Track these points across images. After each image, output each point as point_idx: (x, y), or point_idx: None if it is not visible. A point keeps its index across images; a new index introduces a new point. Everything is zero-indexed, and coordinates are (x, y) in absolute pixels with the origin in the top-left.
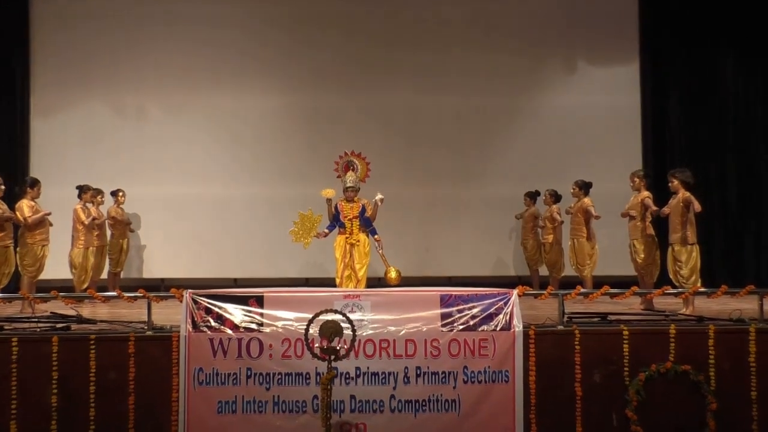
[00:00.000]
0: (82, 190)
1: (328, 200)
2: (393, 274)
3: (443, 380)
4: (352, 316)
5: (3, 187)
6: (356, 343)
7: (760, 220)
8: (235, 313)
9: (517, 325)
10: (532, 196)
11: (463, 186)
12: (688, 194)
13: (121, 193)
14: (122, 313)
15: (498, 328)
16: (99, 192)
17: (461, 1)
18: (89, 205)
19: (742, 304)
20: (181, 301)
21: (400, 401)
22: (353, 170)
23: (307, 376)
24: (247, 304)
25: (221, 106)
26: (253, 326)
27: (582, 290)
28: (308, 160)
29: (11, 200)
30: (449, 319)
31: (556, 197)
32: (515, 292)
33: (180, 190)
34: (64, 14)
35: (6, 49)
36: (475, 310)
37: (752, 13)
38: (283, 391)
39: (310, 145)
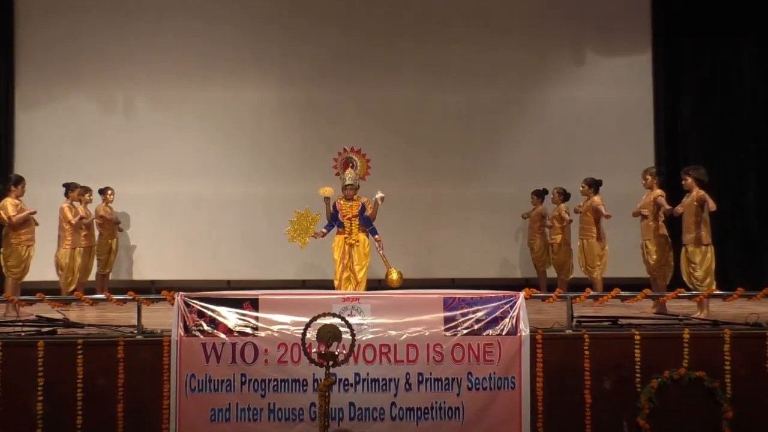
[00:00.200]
0: (69, 188)
1: (326, 199)
2: (394, 276)
3: (446, 387)
4: (351, 320)
5: None
6: (355, 348)
7: None
8: (229, 316)
9: (524, 330)
10: (540, 194)
11: (468, 184)
12: (702, 192)
13: (109, 191)
14: (111, 316)
15: (504, 333)
16: (86, 190)
17: None
18: (76, 203)
19: (760, 308)
20: (172, 304)
21: (401, 409)
22: (352, 167)
23: (304, 383)
24: (241, 308)
25: (214, 101)
26: (248, 330)
27: (592, 293)
28: (305, 157)
29: None
30: (453, 323)
31: (564, 196)
32: (522, 294)
33: (171, 188)
34: (49, 5)
35: None
36: (479, 314)
37: None
38: (279, 399)
39: (307, 141)
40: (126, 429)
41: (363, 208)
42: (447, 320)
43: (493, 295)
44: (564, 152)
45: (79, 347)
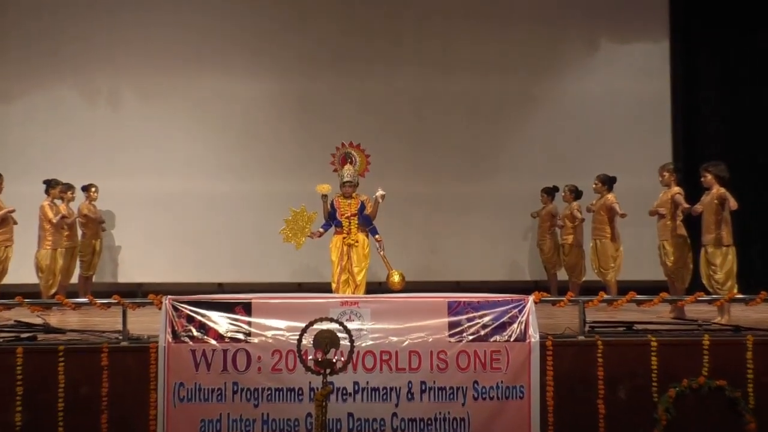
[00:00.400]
0: (50, 184)
1: (324, 196)
2: (395, 279)
3: (451, 396)
4: (349, 325)
5: None
6: (354, 355)
7: None
8: (220, 321)
9: (533, 336)
10: (550, 192)
11: (473, 181)
12: (723, 190)
13: (93, 189)
14: (94, 321)
15: (512, 339)
16: (69, 187)
17: None
18: (58, 201)
19: None
20: (159, 309)
21: (403, 420)
22: (351, 163)
23: (300, 392)
24: (233, 312)
25: (205, 93)
26: (240, 336)
27: (605, 297)
28: (301, 151)
29: None
30: (458, 329)
31: (576, 193)
32: (531, 298)
33: (159, 185)
34: None
35: None
36: (486, 319)
37: None
38: (274, 409)
39: (303, 135)
40: None
41: (362, 207)
42: (451, 325)
43: (500, 299)
44: (576, 147)
45: (60, 354)
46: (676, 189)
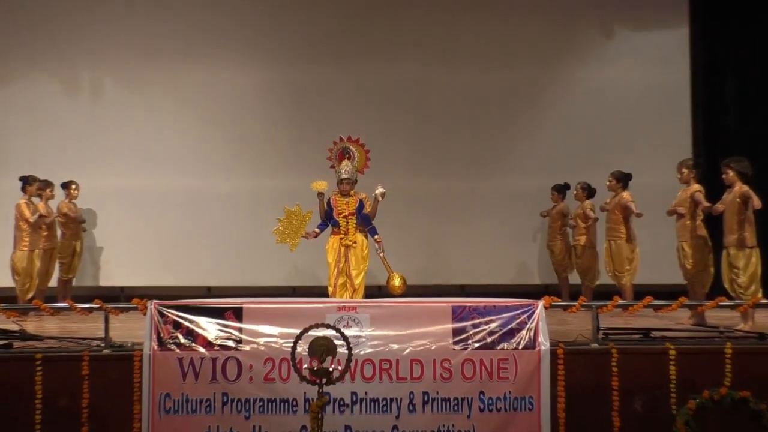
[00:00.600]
0: (27, 181)
1: (320, 194)
2: (396, 282)
3: (455, 408)
4: (347, 332)
5: None
6: (352, 364)
7: None
8: (209, 327)
9: (543, 343)
10: (561, 190)
11: (479, 178)
12: (745, 188)
13: (73, 186)
14: (74, 327)
15: (520, 347)
16: (47, 184)
17: None
18: (35, 199)
19: None
20: (144, 314)
21: None
22: (349, 159)
23: (294, 403)
24: (223, 318)
25: (193, 83)
26: (230, 344)
27: (620, 301)
28: (296, 146)
29: None
30: (463, 336)
31: (589, 191)
32: (541, 303)
33: (143, 182)
34: None
35: None
36: (493, 325)
37: None
38: (266, 421)
39: (298, 129)
40: None
41: (361, 205)
42: (456, 332)
43: (508, 304)
44: (589, 141)
45: (37, 362)
46: (696, 186)
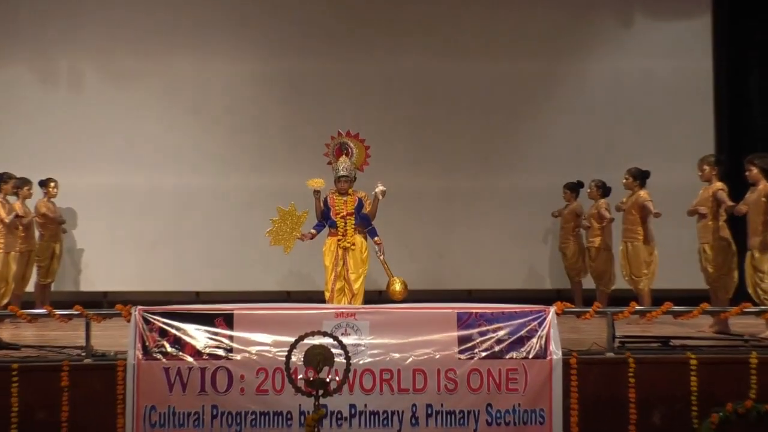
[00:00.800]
0: (2, 179)
1: (316, 192)
2: (397, 287)
3: (461, 421)
4: (345, 340)
5: None
6: (351, 374)
7: None
8: (198, 335)
9: (555, 352)
10: (574, 188)
11: (487, 176)
12: None
13: (52, 184)
14: (53, 335)
15: (530, 356)
16: (24, 182)
17: None
18: (11, 198)
19: None
20: (128, 321)
21: None
22: (348, 155)
23: (289, 416)
24: (212, 325)
25: (180, 75)
26: (220, 353)
27: (637, 308)
28: (290, 142)
29: None
30: (469, 344)
31: (604, 190)
32: (552, 309)
33: (127, 180)
34: None
35: None
36: (501, 333)
37: None
38: None
39: (293, 123)
40: None
41: (360, 205)
42: (462, 340)
43: (517, 310)
44: (604, 137)
45: (14, 373)
46: (719, 185)
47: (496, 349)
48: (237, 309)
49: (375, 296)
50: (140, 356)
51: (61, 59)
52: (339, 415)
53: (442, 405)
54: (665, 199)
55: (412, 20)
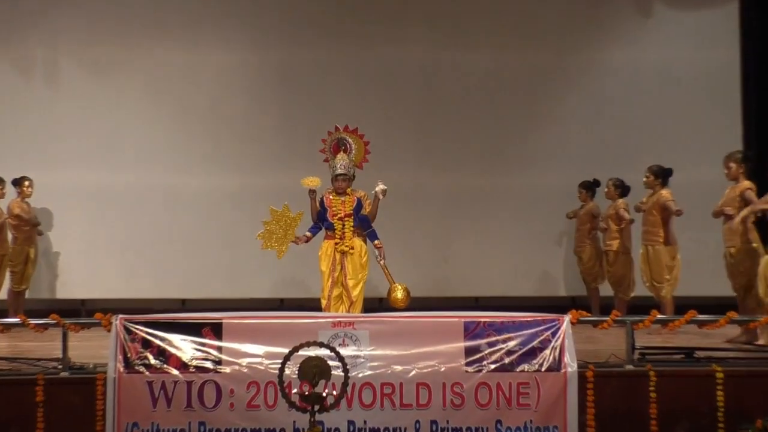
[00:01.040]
0: None
1: (312, 192)
2: (399, 294)
3: None
4: (343, 351)
5: None
6: (349, 388)
7: None
8: (184, 346)
9: (570, 364)
10: (590, 187)
11: (496, 173)
12: None
13: (27, 183)
14: (27, 346)
15: (543, 369)
16: None
17: None
18: None
19: None
20: (109, 331)
21: None
22: (346, 151)
23: None
24: (199, 335)
25: (166, 65)
26: (208, 365)
27: (659, 316)
28: (284, 137)
29: None
30: (477, 356)
31: (622, 189)
32: (567, 318)
33: (108, 179)
34: None
35: None
36: (511, 344)
37: None
38: None
39: (286, 117)
40: None
41: (359, 205)
42: (469, 351)
43: (529, 319)
44: (622, 132)
45: None
46: (746, 184)
47: (506, 361)
48: (226, 318)
49: (375, 304)
50: (121, 369)
51: (36, 48)
52: None
53: (447, 422)
54: (689, 199)
55: (416, 10)
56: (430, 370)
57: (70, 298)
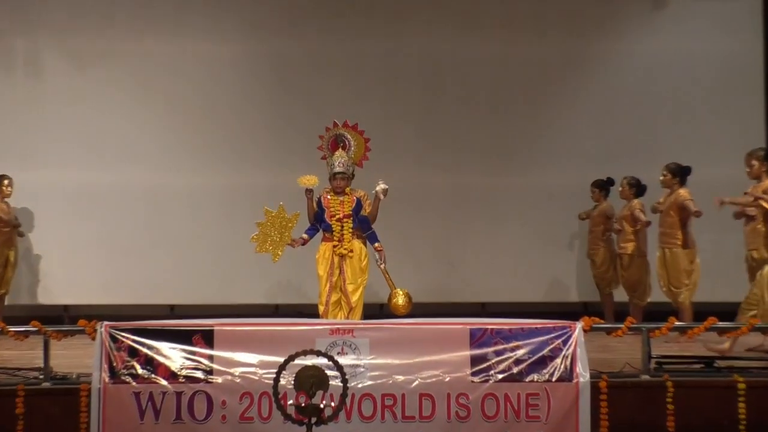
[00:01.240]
0: None
1: (309, 192)
2: (400, 300)
3: None
4: (341, 360)
5: None
6: (348, 400)
7: None
8: (173, 355)
9: (582, 374)
10: (604, 186)
11: (504, 172)
12: None
13: (6, 182)
14: (7, 355)
15: (554, 379)
16: None
17: None
18: None
19: None
20: (93, 339)
21: None
22: (344, 148)
23: None
24: (190, 343)
25: (153, 57)
26: (199, 375)
27: (677, 323)
28: (279, 134)
29: None
30: (483, 365)
31: (638, 188)
32: (579, 325)
33: (92, 177)
34: None
35: None
36: (520, 352)
37: None
38: None
39: (281, 111)
40: None
41: (358, 206)
42: (475, 360)
43: (539, 326)
44: (637, 128)
45: None
46: None
47: (515, 370)
48: (218, 325)
49: (376, 310)
50: (107, 379)
51: (15, 39)
52: None
53: None
54: (708, 199)
55: None
56: (433, 380)
57: (52, 304)
